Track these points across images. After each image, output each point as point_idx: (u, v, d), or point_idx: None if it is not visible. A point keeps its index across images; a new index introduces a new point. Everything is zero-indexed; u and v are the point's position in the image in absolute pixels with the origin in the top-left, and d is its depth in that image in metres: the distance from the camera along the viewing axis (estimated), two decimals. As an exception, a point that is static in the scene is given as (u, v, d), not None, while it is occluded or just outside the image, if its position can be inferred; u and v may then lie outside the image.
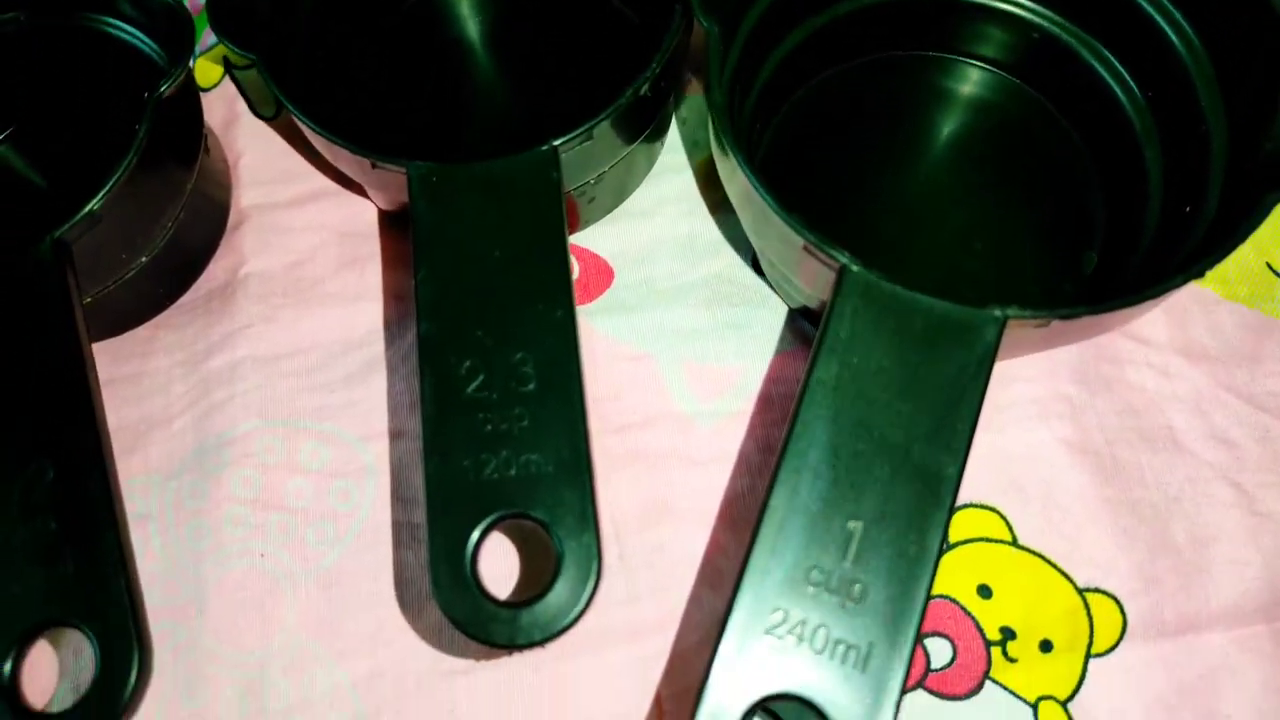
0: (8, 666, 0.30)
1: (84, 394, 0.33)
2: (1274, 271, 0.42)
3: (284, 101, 0.37)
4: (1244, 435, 0.39)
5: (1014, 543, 0.37)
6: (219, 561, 0.37)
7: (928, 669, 0.36)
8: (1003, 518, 0.38)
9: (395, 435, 0.40)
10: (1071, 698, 0.35)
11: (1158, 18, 0.39)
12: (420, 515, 0.38)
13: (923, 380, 0.31)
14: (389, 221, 0.44)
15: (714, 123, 0.35)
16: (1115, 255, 0.39)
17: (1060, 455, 0.38)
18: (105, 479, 0.32)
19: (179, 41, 0.38)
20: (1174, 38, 0.38)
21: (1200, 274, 0.31)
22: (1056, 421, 0.39)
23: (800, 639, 0.29)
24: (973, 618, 0.36)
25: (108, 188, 0.35)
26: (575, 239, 0.43)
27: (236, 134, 0.47)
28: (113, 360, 0.42)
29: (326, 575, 0.37)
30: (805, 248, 0.32)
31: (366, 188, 0.44)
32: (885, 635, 0.28)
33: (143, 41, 0.42)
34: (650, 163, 0.45)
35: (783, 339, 0.41)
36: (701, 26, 0.36)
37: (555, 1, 0.47)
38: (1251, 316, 0.41)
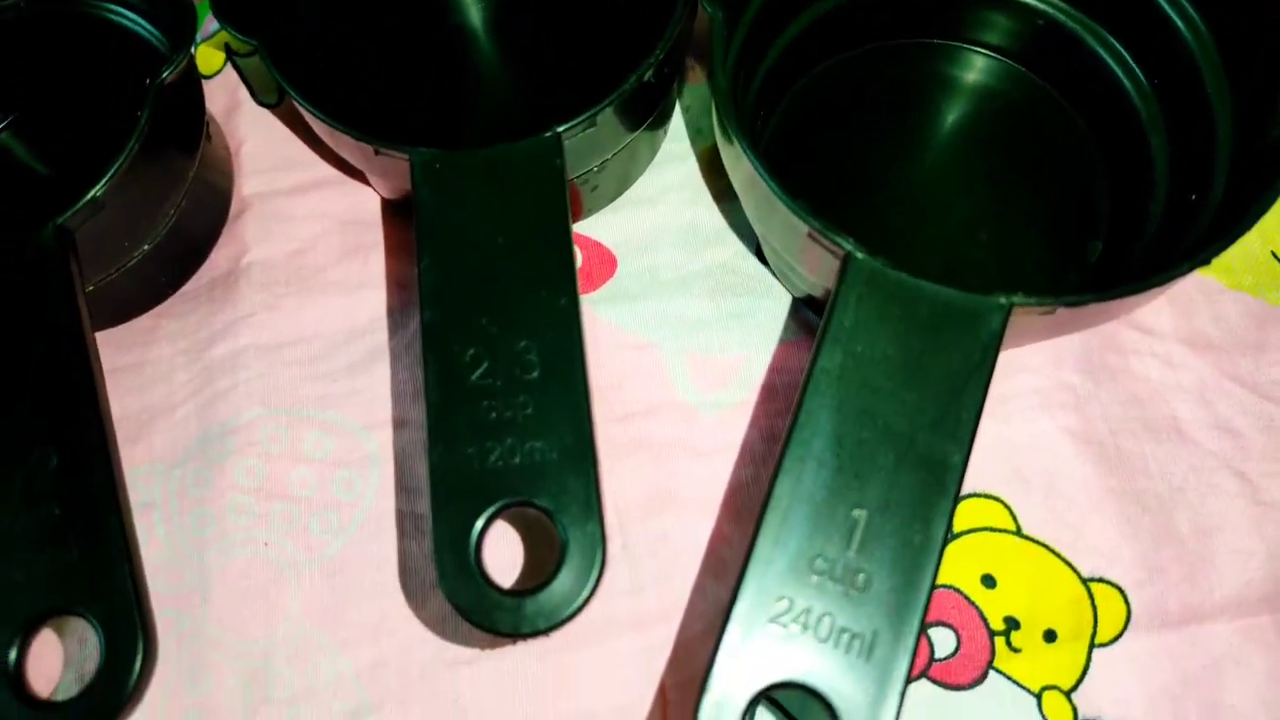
0: (12, 654, 0.30)
1: (87, 381, 0.33)
2: (1279, 260, 0.42)
3: (286, 88, 0.37)
4: (1248, 425, 0.39)
5: (1018, 532, 0.37)
6: (223, 550, 0.37)
7: (931, 659, 0.36)
8: (1007, 507, 0.37)
9: (399, 424, 0.40)
10: (1075, 688, 0.35)
11: (1164, 3, 0.38)
12: (423, 505, 0.38)
13: (927, 368, 0.31)
14: (391, 210, 0.44)
15: (718, 109, 0.35)
16: (1120, 243, 0.39)
17: (1064, 445, 0.38)
18: (109, 466, 0.32)
19: (181, 28, 0.38)
20: (1180, 24, 0.38)
21: (1206, 261, 0.31)
22: (1060, 411, 0.39)
23: (805, 627, 0.28)
24: (976, 607, 0.36)
25: (110, 174, 0.35)
26: (578, 228, 0.43)
27: (238, 121, 0.47)
28: (115, 349, 0.42)
29: (330, 564, 0.37)
30: (809, 235, 0.32)
31: (369, 175, 0.43)
32: (890, 623, 0.28)
33: (144, 28, 0.42)
34: (653, 151, 0.44)
35: (786, 328, 0.41)
36: (705, 12, 0.36)
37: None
38: (1256, 305, 0.41)
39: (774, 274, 0.42)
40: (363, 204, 0.44)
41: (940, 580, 0.36)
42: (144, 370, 0.41)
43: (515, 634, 0.30)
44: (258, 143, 0.46)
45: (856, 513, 0.29)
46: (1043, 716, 0.35)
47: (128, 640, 0.30)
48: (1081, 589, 0.36)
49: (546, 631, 0.30)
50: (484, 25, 0.47)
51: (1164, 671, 0.35)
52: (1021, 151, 0.42)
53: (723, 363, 0.40)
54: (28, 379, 0.34)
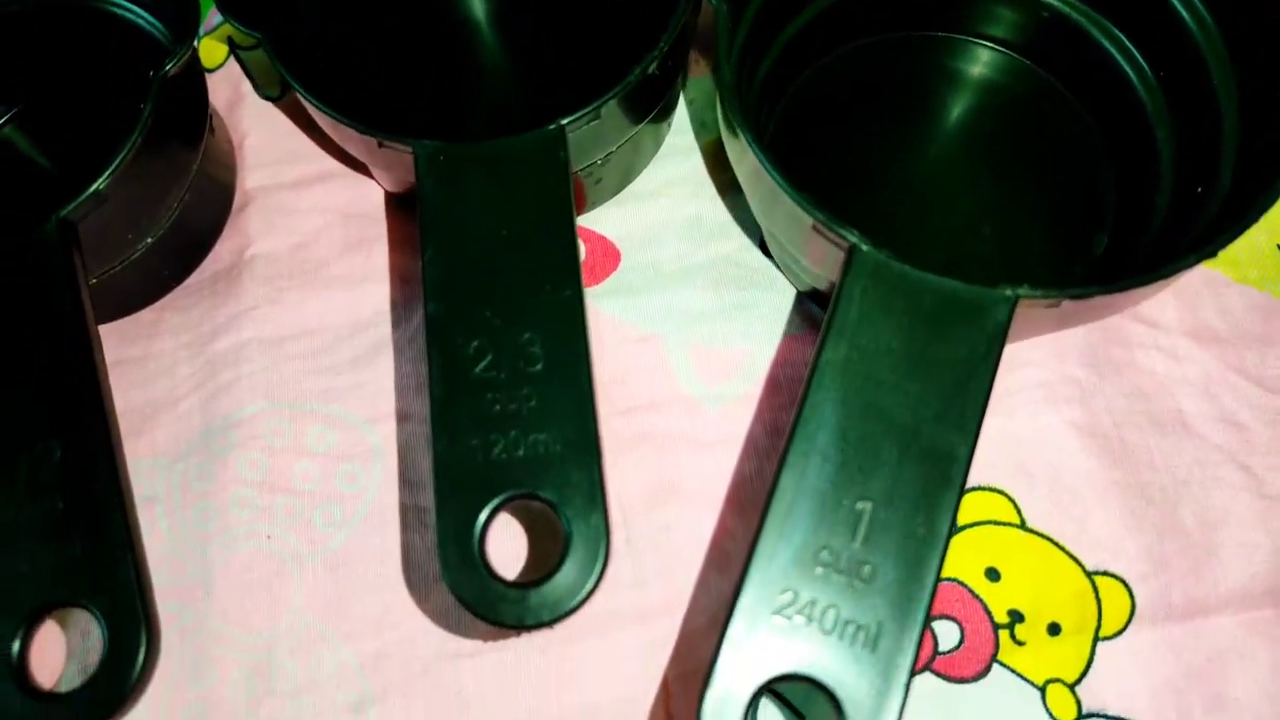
0: (16, 646, 0.30)
1: (90, 374, 0.33)
2: (1285, 254, 0.42)
3: (290, 81, 0.37)
4: (1253, 418, 0.39)
5: (1022, 525, 0.37)
6: (226, 543, 0.37)
7: (935, 651, 0.36)
8: (1011, 500, 0.37)
9: (402, 417, 0.40)
10: (1079, 680, 0.35)
11: (1170, -5, 0.38)
12: (427, 498, 0.38)
13: (933, 361, 0.31)
14: (395, 203, 0.44)
15: (723, 102, 0.35)
16: (1126, 236, 0.39)
17: (1069, 438, 0.38)
18: (112, 459, 0.32)
19: (183, 20, 0.38)
20: (1186, 16, 0.38)
21: (1213, 254, 0.31)
22: (1065, 405, 0.39)
23: (809, 619, 0.28)
24: (980, 600, 0.36)
25: (113, 167, 0.35)
26: (581, 221, 0.43)
27: (241, 115, 0.47)
28: (118, 343, 0.42)
29: (333, 557, 0.37)
30: (814, 227, 0.32)
31: (372, 168, 0.43)
32: (895, 615, 0.28)
33: (147, 21, 0.42)
34: (657, 144, 0.44)
35: (790, 322, 0.41)
36: (710, 4, 0.36)
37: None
38: (1261, 299, 0.41)
39: (778, 267, 0.42)
40: (366, 197, 0.44)
41: (944, 573, 0.36)
42: (147, 364, 0.41)
43: (518, 626, 0.30)
44: (261, 136, 0.46)
45: (861, 505, 0.29)
46: (1047, 710, 0.35)
47: (131, 633, 0.30)
48: (1086, 582, 0.36)
49: (550, 624, 0.30)
50: (488, 18, 0.46)
51: (1168, 665, 0.35)
52: (1026, 145, 0.42)
53: (726, 355, 0.40)
54: (31, 372, 0.34)
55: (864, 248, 0.31)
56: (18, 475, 0.32)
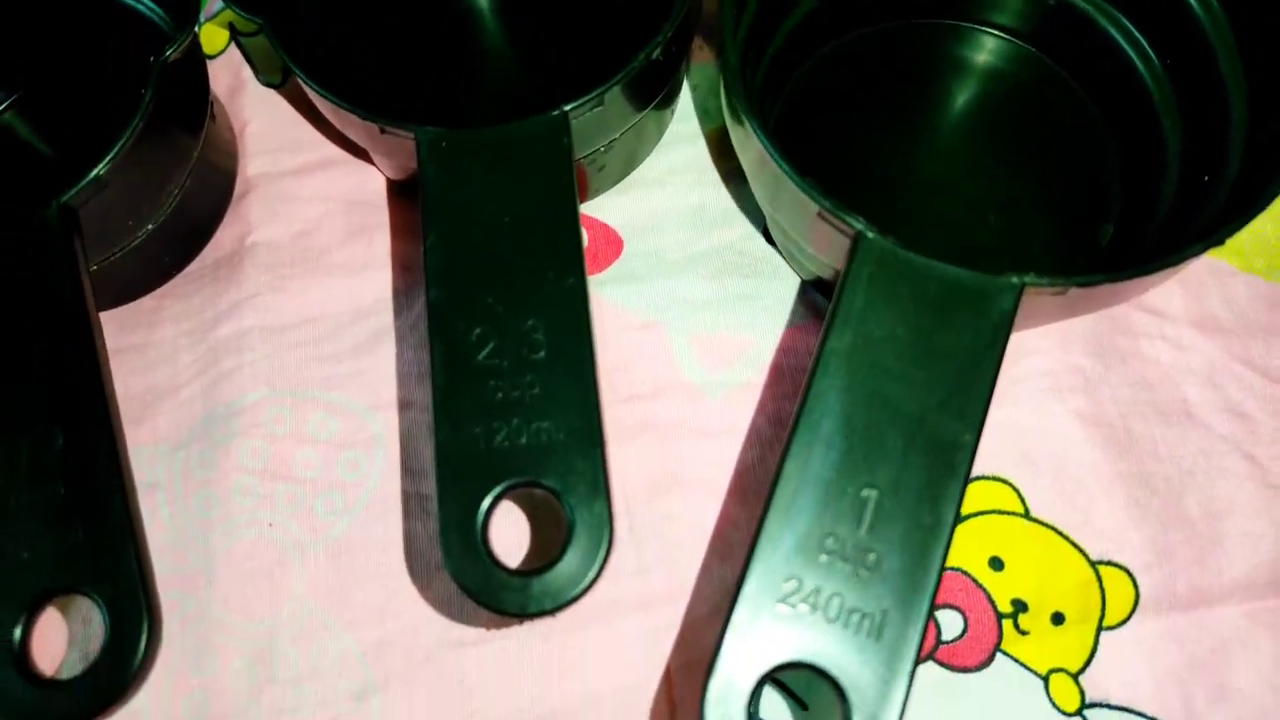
0: (17, 633, 0.30)
1: (91, 361, 0.33)
2: (1290, 244, 0.42)
3: (292, 67, 0.37)
4: (1258, 408, 0.39)
5: (1026, 515, 0.37)
6: (227, 531, 0.37)
7: (939, 641, 0.35)
8: (1015, 490, 0.37)
9: (404, 405, 0.39)
10: (1083, 670, 0.35)
11: (1177, -16, 0.38)
12: (429, 486, 0.38)
13: (938, 349, 0.31)
14: (396, 190, 0.44)
15: (727, 88, 0.35)
16: (1131, 225, 0.39)
17: (1073, 428, 0.38)
18: (114, 445, 0.32)
19: (184, 6, 0.38)
20: (1193, 3, 0.38)
21: (1220, 242, 0.30)
22: (1070, 394, 0.39)
23: (814, 607, 0.28)
24: (984, 590, 0.36)
25: (114, 153, 0.35)
26: (584, 208, 0.43)
27: (243, 102, 0.47)
28: (119, 330, 0.42)
29: (335, 545, 0.37)
30: (820, 214, 0.32)
31: (374, 155, 0.43)
32: (900, 603, 0.28)
33: (148, 6, 0.42)
34: (660, 131, 0.44)
35: (794, 311, 0.41)
36: (715, -10, 0.36)
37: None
38: (1267, 289, 0.41)
39: (781, 255, 0.41)
40: (368, 185, 0.44)
41: (948, 563, 0.36)
42: (148, 351, 0.41)
43: (521, 614, 0.30)
44: (262, 123, 0.46)
45: (866, 493, 0.29)
46: (1050, 699, 0.35)
47: (132, 620, 0.30)
48: (1090, 572, 0.36)
49: (553, 612, 0.30)
50: (491, 3, 0.46)
51: (1172, 654, 0.35)
52: (1032, 133, 0.42)
53: (729, 342, 0.40)
54: (32, 359, 0.33)
55: (869, 235, 0.31)
56: (19, 462, 0.32)
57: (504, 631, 0.36)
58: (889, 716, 0.28)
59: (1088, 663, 0.35)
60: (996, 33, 0.44)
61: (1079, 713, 0.34)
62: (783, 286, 0.41)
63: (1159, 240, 0.37)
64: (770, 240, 0.42)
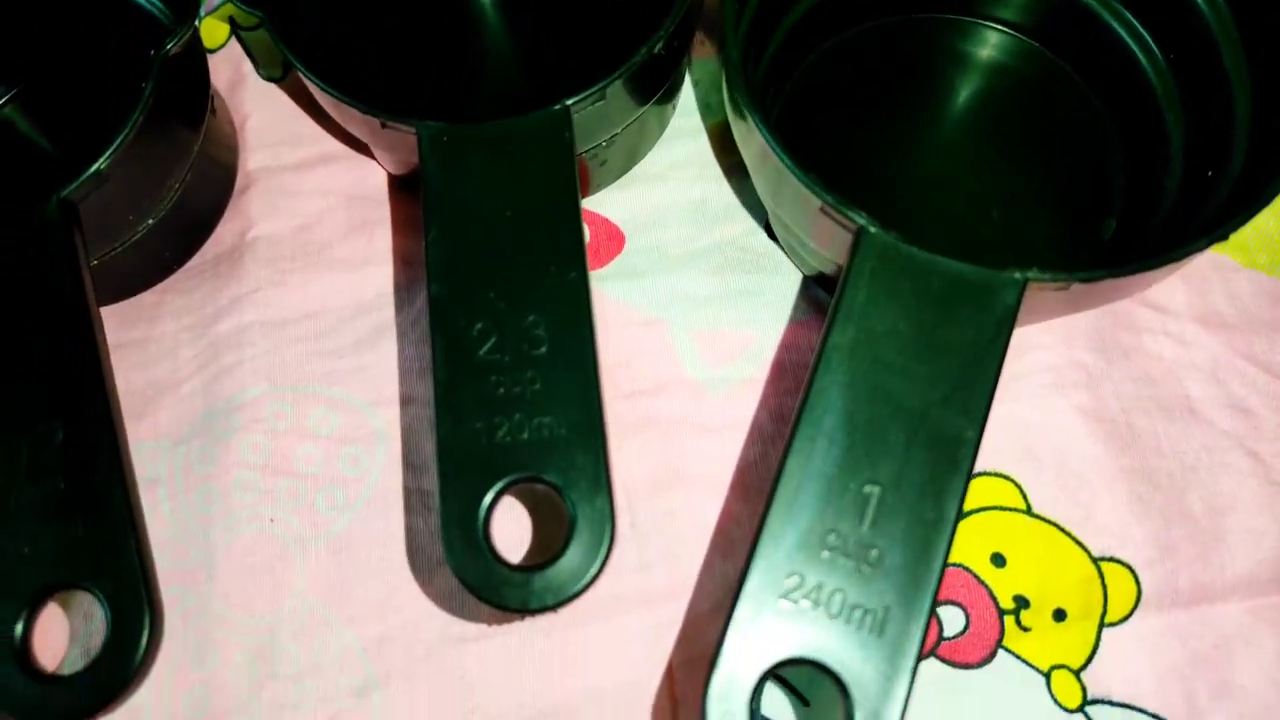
0: (19, 628, 0.30)
1: (92, 355, 0.33)
2: (1294, 239, 0.42)
3: (292, 61, 0.36)
4: (1261, 404, 0.39)
5: (1028, 511, 0.37)
6: (228, 527, 0.37)
7: (940, 637, 0.35)
8: (1017, 486, 0.37)
9: (405, 401, 0.39)
10: (1085, 667, 0.35)
11: (1180, -23, 0.38)
12: (430, 481, 0.38)
13: (941, 345, 0.30)
14: (397, 185, 0.44)
15: (729, 83, 0.35)
16: (1135, 220, 0.39)
17: (1076, 423, 0.38)
18: (114, 440, 0.32)
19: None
20: (1198, -2, 0.38)
21: (1224, 237, 0.30)
22: (1073, 390, 0.38)
23: (816, 603, 0.28)
24: (986, 586, 0.36)
25: (114, 147, 0.35)
26: (585, 203, 0.43)
27: (243, 96, 0.46)
28: (120, 325, 0.41)
29: (336, 541, 0.37)
30: (822, 209, 0.32)
31: (375, 150, 0.43)
32: (902, 599, 0.28)
33: (148, 0, 0.42)
34: (662, 126, 0.44)
35: (796, 307, 0.40)
36: (717, -15, 0.35)
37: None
38: (1270, 284, 0.41)
39: (783, 251, 0.41)
40: (369, 179, 0.44)
41: (949, 559, 0.36)
42: (149, 346, 0.41)
43: (523, 610, 0.30)
44: (263, 117, 0.46)
45: (869, 489, 0.29)
46: (1052, 696, 0.34)
47: (134, 616, 0.30)
48: (1092, 568, 0.36)
49: (554, 608, 0.30)
50: (492, -2, 0.46)
51: (1174, 651, 0.35)
52: (1035, 128, 0.42)
53: (731, 338, 0.40)
54: (32, 354, 0.33)
55: (872, 230, 0.31)
56: (20, 457, 0.32)
57: (505, 627, 0.36)
58: (891, 713, 0.28)
59: (1090, 659, 0.35)
60: (999, 27, 0.43)
61: (1081, 709, 0.34)
62: (785, 282, 0.41)
63: (1162, 235, 0.37)
64: (772, 235, 0.42)
